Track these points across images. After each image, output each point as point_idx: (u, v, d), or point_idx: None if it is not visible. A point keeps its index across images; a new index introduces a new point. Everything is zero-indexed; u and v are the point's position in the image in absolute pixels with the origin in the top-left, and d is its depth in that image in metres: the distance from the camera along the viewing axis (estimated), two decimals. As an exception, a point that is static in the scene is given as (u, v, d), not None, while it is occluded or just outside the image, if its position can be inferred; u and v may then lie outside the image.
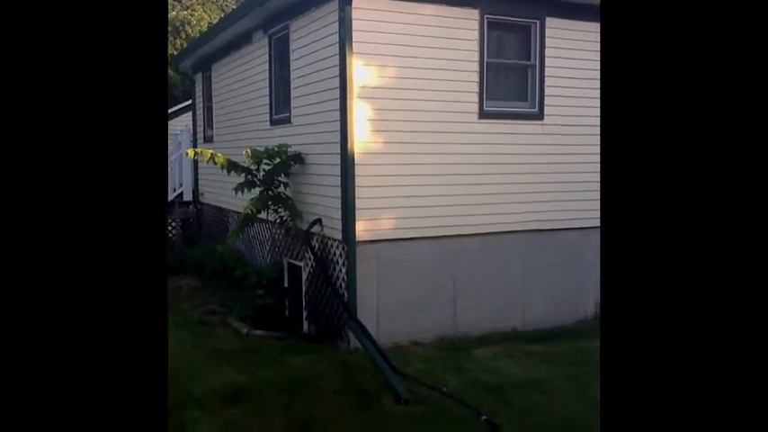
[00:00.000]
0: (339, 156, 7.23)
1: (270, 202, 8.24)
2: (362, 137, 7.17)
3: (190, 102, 15.84)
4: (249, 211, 8.04)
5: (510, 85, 8.17)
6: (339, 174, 7.25)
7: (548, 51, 8.07)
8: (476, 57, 7.68)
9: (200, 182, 13.95)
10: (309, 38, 7.96)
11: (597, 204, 8.37)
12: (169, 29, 26.01)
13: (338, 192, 7.29)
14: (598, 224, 8.17)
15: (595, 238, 7.92)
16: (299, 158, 8.22)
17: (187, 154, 10.18)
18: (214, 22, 22.58)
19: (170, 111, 18.76)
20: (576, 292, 8.60)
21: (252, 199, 8.18)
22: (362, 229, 7.22)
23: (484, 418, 5.33)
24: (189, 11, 27.44)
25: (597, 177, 8.45)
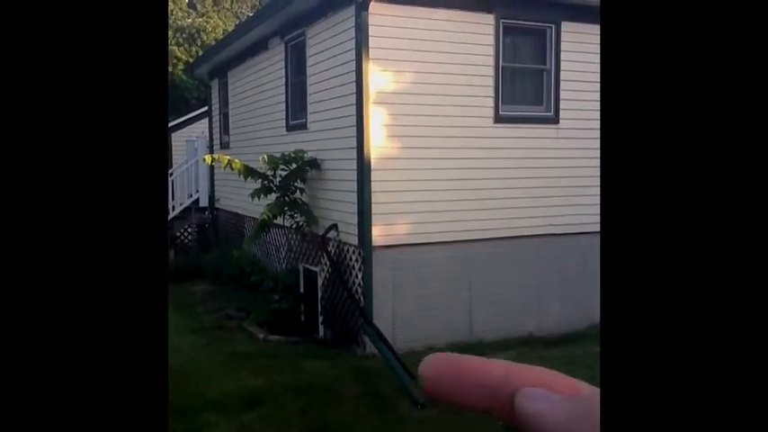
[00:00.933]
0: (355, 161, 7.26)
1: (286, 208, 8.28)
2: (379, 142, 7.19)
3: (206, 108, 15.97)
4: (265, 217, 8.09)
5: (525, 89, 8.17)
6: (355, 179, 7.27)
7: (563, 55, 8.06)
8: (491, 61, 7.69)
9: (216, 188, 14.04)
10: (326, 44, 8.00)
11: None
12: (184, 36, 26.23)
13: (354, 197, 7.32)
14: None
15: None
16: (315, 164, 8.25)
17: (204, 160, 10.26)
18: (229, 29, 22.76)
19: (186, 117, 18.92)
20: (590, 296, 8.57)
21: (268, 205, 8.23)
22: (379, 234, 7.24)
23: (501, 422, 5.31)
24: (204, 18, 27.68)
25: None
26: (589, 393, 0.33)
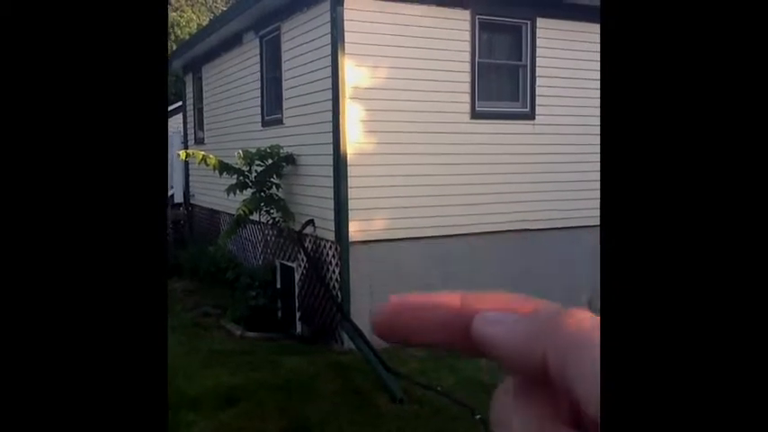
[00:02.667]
0: (332, 156, 7.24)
1: (262, 204, 8.24)
2: (355, 137, 7.18)
3: (180, 104, 15.81)
4: (241, 213, 8.04)
5: (501, 85, 8.21)
6: (332, 175, 7.26)
7: (539, 51, 8.11)
8: (467, 57, 7.71)
9: (191, 184, 13.92)
10: (301, 39, 7.97)
11: (587, 203, 8.38)
12: (159, 31, 25.95)
13: (331, 193, 7.30)
14: (588, 223, 8.15)
15: (585, 237, 7.97)
16: (291, 159, 8.22)
17: (178, 156, 10.17)
18: (203, 23, 22.54)
19: (160, 113, 18.70)
20: (567, 290, 8.64)
21: (244, 200, 8.18)
22: (355, 229, 7.23)
23: (478, 416, 5.35)
24: (178, 12, 27.40)
25: (587, 176, 8.46)
26: (548, 310, 0.31)
